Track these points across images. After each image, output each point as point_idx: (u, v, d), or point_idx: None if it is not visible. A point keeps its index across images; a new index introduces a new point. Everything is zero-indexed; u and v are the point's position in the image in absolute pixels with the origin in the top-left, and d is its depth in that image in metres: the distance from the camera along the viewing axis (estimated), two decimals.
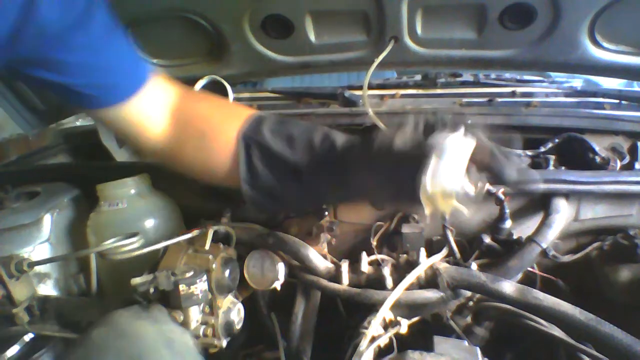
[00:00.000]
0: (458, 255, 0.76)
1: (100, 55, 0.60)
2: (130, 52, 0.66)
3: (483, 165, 0.51)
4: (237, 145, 0.65)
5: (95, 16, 0.57)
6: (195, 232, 0.70)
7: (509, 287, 0.64)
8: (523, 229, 0.81)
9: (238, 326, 0.70)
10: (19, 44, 0.52)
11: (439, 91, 1.17)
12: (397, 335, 0.65)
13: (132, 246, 0.66)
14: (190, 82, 1.07)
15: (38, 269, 0.78)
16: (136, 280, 0.61)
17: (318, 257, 0.75)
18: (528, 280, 0.80)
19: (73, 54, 0.57)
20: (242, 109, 0.71)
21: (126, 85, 0.65)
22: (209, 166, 0.70)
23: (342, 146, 0.61)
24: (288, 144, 0.63)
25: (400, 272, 0.71)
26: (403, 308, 0.70)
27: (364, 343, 0.60)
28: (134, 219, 0.81)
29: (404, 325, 0.66)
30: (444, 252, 0.75)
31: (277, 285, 0.74)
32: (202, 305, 0.66)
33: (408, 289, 0.67)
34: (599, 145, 0.88)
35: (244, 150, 0.64)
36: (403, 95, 1.16)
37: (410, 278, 0.67)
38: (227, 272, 0.68)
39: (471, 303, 0.75)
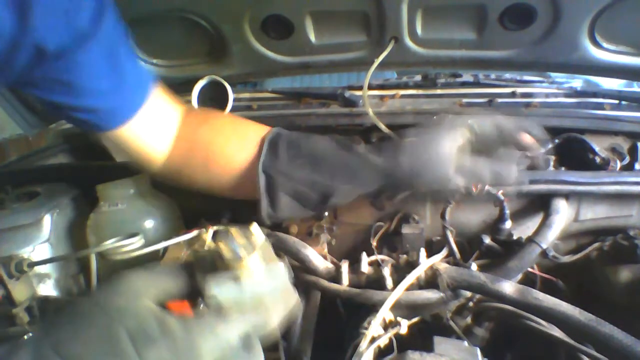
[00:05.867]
0: (458, 255, 0.76)
1: (98, 78, 0.58)
2: (130, 69, 0.63)
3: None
4: (256, 177, 0.64)
5: (98, 34, 0.54)
6: (195, 233, 0.70)
7: (509, 287, 0.64)
8: (523, 230, 0.81)
9: None
10: (15, 65, 0.50)
11: (439, 92, 1.16)
12: (397, 336, 0.65)
13: (132, 246, 0.65)
14: (190, 82, 1.07)
15: (38, 269, 0.78)
16: None
17: (318, 258, 0.75)
18: (528, 280, 0.80)
19: (70, 75, 0.55)
20: (245, 128, 0.70)
21: (122, 109, 0.63)
22: (214, 188, 0.71)
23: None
24: (313, 168, 0.63)
25: (400, 273, 0.71)
26: (403, 308, 0.70)
27: (364, 343, 0.60)
28: (133, 219, 0.81)
29: (403, 326, 0.66)
30: (444, 252, 0.75)
31: None
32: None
33: (408, 289, 0.67)
34: (599, 146, 0.88)
35: (264, 185, 0.64)
36: (403, 96, 1.16)
37: (410, 278, 0.67)
38: None
39: (471, 304, 0.75)
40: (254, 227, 0.45)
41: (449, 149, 0.62)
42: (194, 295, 0.42)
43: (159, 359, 0.35)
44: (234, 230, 0.44)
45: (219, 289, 0.40)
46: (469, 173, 0.64)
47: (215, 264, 0.43)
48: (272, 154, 0.65)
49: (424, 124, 0.68)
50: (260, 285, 0.42)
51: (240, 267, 0.41)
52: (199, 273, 0.43)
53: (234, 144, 0.68)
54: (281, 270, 0.44)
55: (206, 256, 0.44)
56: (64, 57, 0.52)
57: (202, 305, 0.40)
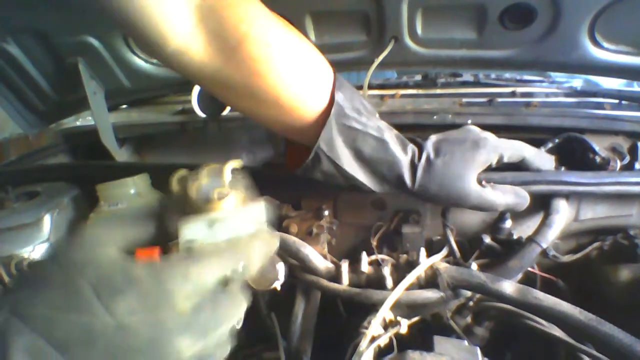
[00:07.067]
0: (458, 255, 0.76)
1: None
2: None
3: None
4: (310, 153, 0.63)
5: None
6: None
7: (509, 287, 0.64)
8: (523, 229, 0.81)
9: (238, 326, 0.70)
10: None
11: (439, 91, 1.17)
12: (397, 335, 0.65)
13: None
14: (190, 81, 1.07)
15: None
16: None
17: (318, 257, 0.75)
18: (528, 280, 0.80)
19: None
20: (315, 71, 0.62)
21: None
22: (253, 115, 0.65)
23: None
24: (357, 167, 0.65)
25: (400, 272, 0.71)
26: (403, 308, 0.70)
27: (364, 343, 0.60)
28: None
29: (404, 325, 0.66)
30: (444, 252, 0.75)
31: (277, 285, 0.74)
32: None
33: (408, 288, 0.67)
34: (599, 145, 0.87)
35: (310, 161, 0.64)
36: (403, 95, 1.16)
37: (410, 278, 0.67)
38: None
39: (471, 303, 0.75)
40: (228, 167, 0.42)
41: (475, 174, 0.66)
42: (166, 241, 0.39)
43: (129, 309, 0.33)
44: (205, 172, 0.41)
45: (191, 233, 0.38)
46: (484, 201, 0.67)
47: (186, 208, 0.40)
48: (331, 142, 0.62)
49: (458, 131, 0.71)
50: (237, 228, 0.40)
51: (215, 210, 0.39)
52: (170, 217, 0.40)
53: (298, 86, 0.60)
54: (260, 212, 0.41)
55: (177, 200, 0.42)
56: None
57: (175, 251, 0.38)
